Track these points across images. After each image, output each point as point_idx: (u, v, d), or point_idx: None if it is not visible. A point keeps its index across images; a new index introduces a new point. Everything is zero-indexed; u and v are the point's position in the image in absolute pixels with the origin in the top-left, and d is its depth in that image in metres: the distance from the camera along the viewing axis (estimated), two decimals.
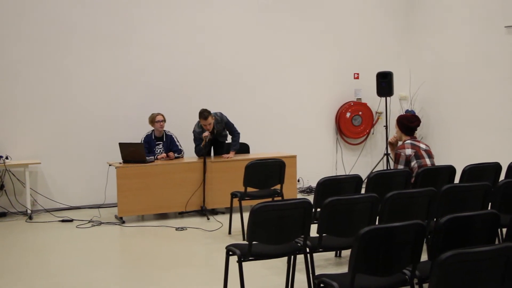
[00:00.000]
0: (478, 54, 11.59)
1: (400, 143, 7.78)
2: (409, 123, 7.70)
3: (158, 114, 10.87)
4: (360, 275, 4.47)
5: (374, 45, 13.03)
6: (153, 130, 10.86)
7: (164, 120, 10.87)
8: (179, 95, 11.74)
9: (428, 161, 7.48)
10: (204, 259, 7.69)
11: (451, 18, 12.17)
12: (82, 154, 11.14)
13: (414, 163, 7.45)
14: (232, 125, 10.90)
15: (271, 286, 6.55)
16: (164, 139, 11.02)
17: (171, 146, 11.04)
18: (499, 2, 11.05)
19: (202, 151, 10.49)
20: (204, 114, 10.37)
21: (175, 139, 11.15)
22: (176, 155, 10.92)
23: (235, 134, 10.99)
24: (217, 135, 10.99)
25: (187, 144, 11.05)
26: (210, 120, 10.48)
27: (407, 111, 12.87)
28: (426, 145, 7.68)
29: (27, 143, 10.75)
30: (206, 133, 10.46)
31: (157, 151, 10.90)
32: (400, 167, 7.48)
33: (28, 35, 10.99)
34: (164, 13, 11.78)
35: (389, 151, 12.60)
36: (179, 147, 11.11)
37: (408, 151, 7.48)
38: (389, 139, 8.44)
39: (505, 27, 10.98)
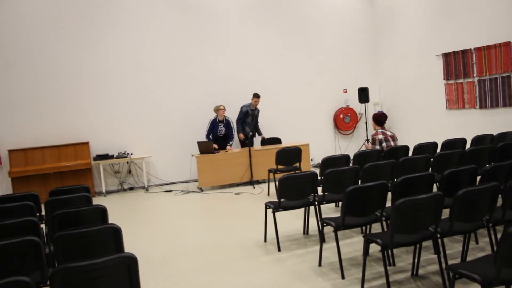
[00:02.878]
0: (419, 72, 11.51)
1: (373, 132, 7.75)
2: (379, 118, 7.70)
3: (221, 105, 10.73)
4: (348, 217, 4.57)
5: (354, 69, 12.87)
6: (216, 116, 10.73)
7: (225, 109, 10.72)
8: (230, 97, 11.40)
9: (392, 143, 7.47)
10: (252, 211, 7.67)
11: (402, 48, 12.04)
12: (175, 149, 11.16)
13: (383, 144, 7.49)
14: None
15: (294, 227, 6.55)
16: (224, 122, 10.81)
17: (228, 128, 10.84)
18: (433, 38, 10.96)
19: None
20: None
21: (232, 124, 10.93)
22: (230, 143, 10.85)
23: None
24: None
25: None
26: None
27: (379, 111, 12.82)
28: (392, 132, 7.64)
29: (142, 144, 10.82)
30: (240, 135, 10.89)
31: (219, 130, 10.77)
32: (376, 147, 7.46)
33: (139, 46, 10.97)
34: (230, 39, 11.86)
35: (370, 136, 12.62)
36: (233, 133, 10.95)
37: (380, 137, 7.51)
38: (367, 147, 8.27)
39: (436, 55, 10.94)
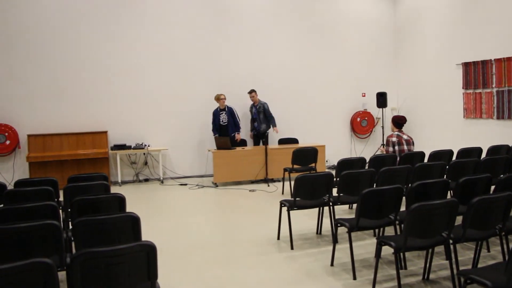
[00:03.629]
0: (439, 80, 11.46)
1: (390, 133, 7.70)
2: (398, 120, 7.59)
3: (221, 94, 10.71)
4: (363, 219, 4.60)
5: (374, 74, 12.87)
6: (218, 106, 10.75)
7: (225, 98, 10.69)
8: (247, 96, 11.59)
9: (405, 147, 7.37)
10: (266, 209, 7.72)
11: (422, 55, 12.02)
12: (192, 144, 11.24)
13: (396, 148, 7.43)
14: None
15: (308, 226, 6.58)
16: (226, 110, 10.73)
17: (232, 116, 10.76)
18: (454, 47, 10.93)
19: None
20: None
21: (235, 112, 10.84)
22: (238, 132, 10.83)
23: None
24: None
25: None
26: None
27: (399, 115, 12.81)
28: (408, 136, 7.53)
29: (160, 136, 10.88)
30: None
31: (222, 119, 10.71)
32: (390, 149, 7.39)
33: (161, 45, 11.23)
34: (252, 41, 11.93)
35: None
36: (238, 121, 10.90)
37: (394, 139, 7.40)
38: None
39: (456, 64, 10.89)
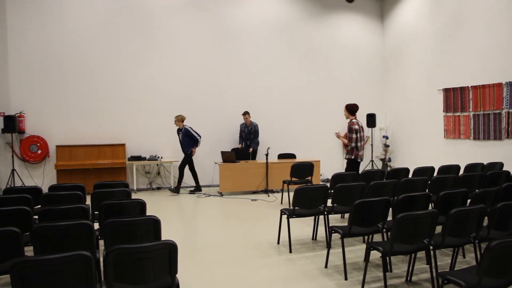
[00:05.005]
0: (422, 103, 11.64)
1: (348, 120, 7.97)
2: (353, 108, 7.93)
3: (178, 115, 10.40)
4: (354, 226, 4.71)
5: (364, 97, 13.00)
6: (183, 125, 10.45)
7: (177, 120, 10.33)
8: (260, 111, 11.84)
9: (363, 134, 8.00)
10: (266, 216, 7.81)
11: (408, 80, 12.21)
12: (200, 156, 11.27)
13: (358, 134, 7.78)
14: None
15: (304, 232, 6.69)
16: (182, 130, 10.36)
17: (187, 135, 10.29)
18: (436, 74, 11.13)
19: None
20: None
21: (190, 131, 10.34)
22: (193, 148, 10.42)
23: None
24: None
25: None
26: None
27: (384, 136, 12.97)
28: (361, 122, 8.05)
29: (171, 149, 11.01)
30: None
31: (179, 137, 10.47)
32: (354, 136, 7.76)
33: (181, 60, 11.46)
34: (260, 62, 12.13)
35: (375, 157, 12.75)
36: (197, 136, 10.38)
37: (356, 126, 7.78)
38: (338, 135, 8.33)
39: (437, 89, 11.08)
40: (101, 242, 4.55)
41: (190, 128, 10.45)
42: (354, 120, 7.85)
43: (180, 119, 10.40)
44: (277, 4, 12.19)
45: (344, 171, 7.90)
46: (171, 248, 3.13)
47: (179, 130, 10.52)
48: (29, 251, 4.25)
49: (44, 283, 2.78)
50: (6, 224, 3.67)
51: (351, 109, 7.93)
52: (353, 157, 7.94)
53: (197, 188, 10.66)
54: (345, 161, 12.72)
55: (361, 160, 8.03)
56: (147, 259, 3.07)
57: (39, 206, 5.57)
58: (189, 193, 10.46)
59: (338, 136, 8.29)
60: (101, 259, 3.23)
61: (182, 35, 11.30)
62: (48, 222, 3.64)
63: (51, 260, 2.75)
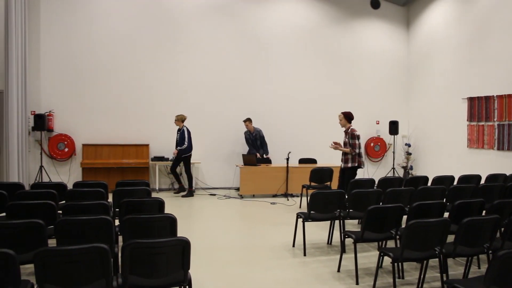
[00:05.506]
0: (446, 112, 11.59)
1: (344, 128, 8.13)
2: (350, 116, 8.07)
3: (179, 115, 10.31)
4: (367, 232, 4.80)
5: (387, 104, 13.05)
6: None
7: (178, 120, 10.23)
8: (271, 118, 12.06)
9: (361, 141, 8.11)
10: (284, 220, 7.84)
11: (432, 89, 12.16)
12: (221, 159, 11.53)
13: (359, 141, 7.95)
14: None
15: (319, 237, 6.76)
16: (180, 130, 10.27)
17: (181, 136, 10.19)
18: (460, 83, 11.07)
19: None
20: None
21: (185, 133, 10.19)
22: (178, 148, 10.22)
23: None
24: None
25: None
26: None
27: (406, 144, 12.94)
28: None
29: (194, 151, 11.07)
30: None
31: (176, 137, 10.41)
32: (357, 142, 7.88)
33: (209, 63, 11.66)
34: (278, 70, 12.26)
35: (396, 165, 12.73)
36: (184, 141, 10.12)
37: (357, 133, 7.97)
38: (334, 146, 8.13)
39: (462, 98, 11.03)
40: (120, 238, 4.74)
41: (188, 131, 10.29)
42: (353, 127, 8.00)
43: (179, 119, 10.32)
44: (302, 9, 12.30)
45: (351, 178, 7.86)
46: (185, 245, 3.28)
47: (178, 130, 10.41)
48: (52, 243, 4.45)
49: (64, 272, 2.96)
50: (32, 217, 3.87)
51: (349, 117, 8.04)
52: (356, 164, 7.97)
53: (181, 189, 10.63)
54: (367, 167, 12.94)
55: (364, 166, 8.25)
56: (161, 254, 3.22)
57: (63, 201, 5.82)
58: (210, 195, 10.60)
59: (336, 147, 8.13)
60: (119, 254, 3.40)
61: (206, 39, 11.51)
62: (71, 216, 3.84)
63: (71, 251, 2.93)
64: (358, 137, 7.92)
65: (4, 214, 4.92)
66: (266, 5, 11.98)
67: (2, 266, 2.85)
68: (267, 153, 11.21)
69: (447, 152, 11.59)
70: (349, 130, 7.97)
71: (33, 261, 3.44)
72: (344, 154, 8.07)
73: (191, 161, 10.64)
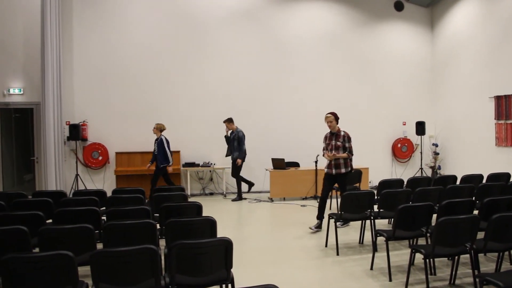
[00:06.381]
0: (473, 111, 11.54)
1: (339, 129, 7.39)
2: (338, 116, 7.40)
3: (158, 123, 9.85)
4: (398, 230, 4.94)
5: (414, 105, 13.05)
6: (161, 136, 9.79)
7: (156, 128, 9.75)
8: (297, 123, 12.22)
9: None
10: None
11: (458, 88, 12.13)
12: (251, 163, 11.56)
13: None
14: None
15: (351, 237, 6.91)
16: (157, 140, 9.78)
17: (158, 146, 9.68)
18: (487, 81, 11.05)
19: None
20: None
21: (163, 143, 9.70)
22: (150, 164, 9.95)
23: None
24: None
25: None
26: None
27: (433, 144, 12.93)
28: None
29: (222, 156, 11.43)
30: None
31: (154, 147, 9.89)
32: (352, 145, 7.29)
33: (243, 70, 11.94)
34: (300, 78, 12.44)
35: (424, 165, 12.74)
36: (162, 152, 9.66)
37: (350, 135, 7.41)
38: (329, 156, 7.26)
39: (489, 97, 11.00)
40: (161, 241, 4.97)
41: (166, 141, 9.84)
42: (344, 130, 7.40)
43: (158, 128, 9.86)
44: (326, 14, 12.44)
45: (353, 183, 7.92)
46: (227, 245, 3.49)
47: (156, 140, 9.89)
48: (98, 247, 4.72)
49: (117, 271, 3.21)
50: (78, 222, 4.14)
51: (338, 118, 7.39)
52: (349, 169, 7.40)
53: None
54: (394, 168, 13.00)
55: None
56: (205, 254, 3.44)
57: (103, 208, 6.11)
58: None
59: (334, 155, 7.23)
60: (162, 256, 3.63)
61: (231, 46, 11.76)
62: (114, 221, 4.09)
63: (124, 252, 3.17)
64: (350, 139, 7.39)
65: (50, 220, 5.23)
66: (290, 10, 12.18)
67: (62, 267, 3.10)
68: (239, 157, 10.49)
69: (475, 151, 11.55)
70: (343, 132, 7.33)
71: (88, 262, 3.72)
72: (335, 159, 7.27)
73: (222, 167, 10.70)
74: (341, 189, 7.42)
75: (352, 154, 7.39)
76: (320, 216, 7.44)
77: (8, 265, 2.99)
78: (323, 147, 7.61)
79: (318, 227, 7.40)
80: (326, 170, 7.50)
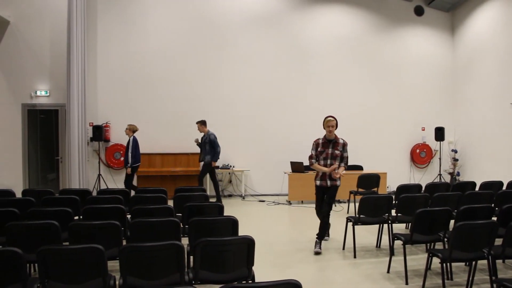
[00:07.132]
0: (493, 117, 11.49)
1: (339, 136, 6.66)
2: None
3: (130, 124, 9.77)
4: (416, 234, 5.00)
5: (433, 110, 13.06)
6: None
7: (128, 128, 9.64)
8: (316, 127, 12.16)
9: None
10: (333, 225, 7.88)
11: (478, 94, 12.08)
12: (270, 166, 11.83)
13: None
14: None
15: (369, 240, 6.99)
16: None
17: (127, 148, 9.60)
18: (508, 88, 11.00)
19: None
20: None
21: (129, 144, 9.55)
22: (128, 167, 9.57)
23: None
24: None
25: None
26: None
27: (453, 150, 12.90)
28: None
29: (243, 159, 11.57)
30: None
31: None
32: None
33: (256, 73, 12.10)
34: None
35: (443, 171, 12.72)
36: (128, 154, 9.54)
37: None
38: (336, 173, 6.41)
39: (510, 103, 10.91)
40: (182, 240, 5.12)
41: (136, 142, 9.69)
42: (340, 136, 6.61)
43: (131, 129, 9.72)
44: (346, 19, 12.55)
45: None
46: (249, 243, 3.63)
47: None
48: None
49: (145, 265, 3.36)
50: (105, 219, 4.30)
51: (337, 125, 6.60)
52: (338, 183, 6.57)
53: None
54: (413, 174, 12.99)
55: None
56: (229, 251, 3.58)
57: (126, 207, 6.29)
58: (259, 201, 10.91)
59: (340, 174, 6.46)
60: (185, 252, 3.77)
61: (252, 51, 11.95)
62: (138, 218, 4.26)
63: (151, 247, 3.33)
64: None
65: (76, 217, 5.42)
66: (310, 15, 12.29)
67: (93, 259, 3.27)
68: (213, 159, 10.17)
69: (495, 157, 11.50)
70: (341, 140, 6.59)
71: (114, 257, 3.89)
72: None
73: (241, 169, 10.88)
74: (329, 200, 6.46)
75: (347, 166, 6.63)
76: (321, 236, 6.53)
77: (44, 256, 3.16)
78: (309, 155, 6.60)
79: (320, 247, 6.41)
80: (318, 182, 6.58)
